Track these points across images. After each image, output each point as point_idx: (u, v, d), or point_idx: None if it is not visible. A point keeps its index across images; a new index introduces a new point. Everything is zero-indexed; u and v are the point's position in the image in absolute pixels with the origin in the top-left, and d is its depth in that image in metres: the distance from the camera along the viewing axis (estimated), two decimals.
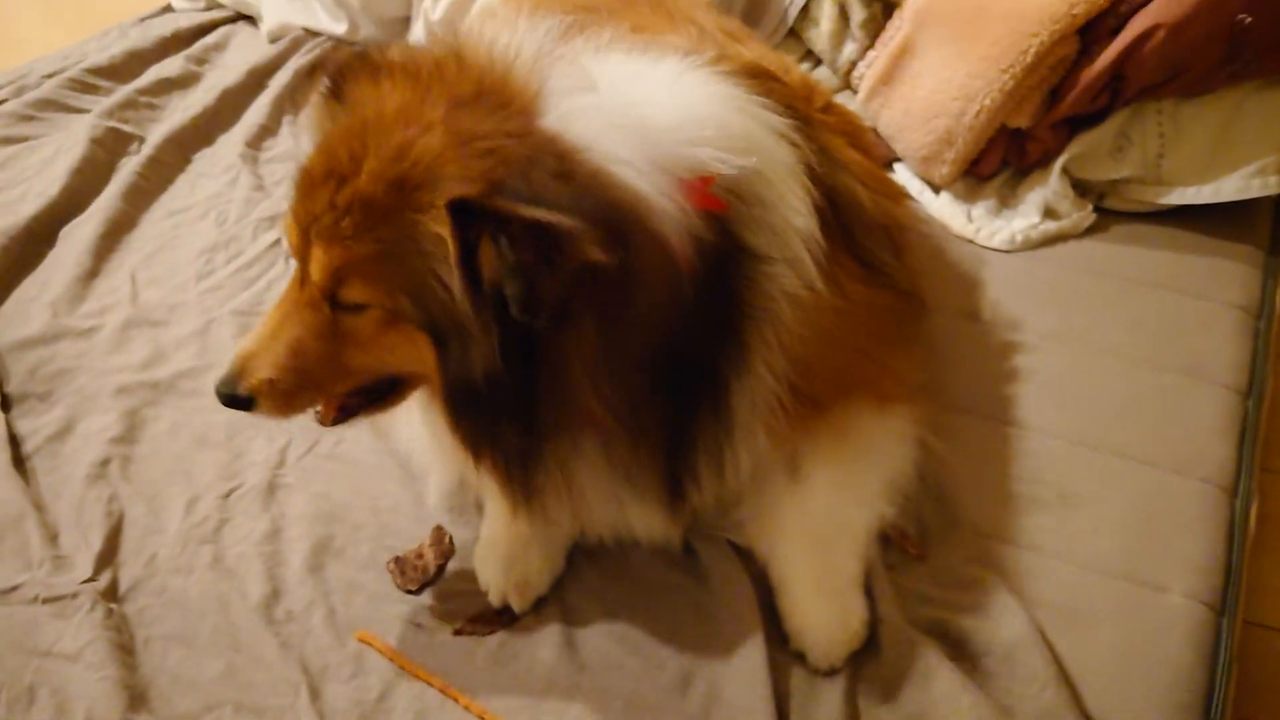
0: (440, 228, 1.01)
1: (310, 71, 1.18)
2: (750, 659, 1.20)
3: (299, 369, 1.11)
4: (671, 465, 1.23)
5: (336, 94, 1.15)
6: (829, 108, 1.67)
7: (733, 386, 1.21)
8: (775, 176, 1.25)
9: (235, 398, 1.12)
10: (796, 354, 1.23)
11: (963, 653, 1.22)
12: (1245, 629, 1.40)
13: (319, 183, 1.07)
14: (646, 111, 1.15)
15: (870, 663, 1.22)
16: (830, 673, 1.21)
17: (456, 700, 1.18)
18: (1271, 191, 1.86)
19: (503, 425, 1.09)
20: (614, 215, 1.03)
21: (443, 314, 1.03)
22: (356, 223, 1.04)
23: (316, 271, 1.08)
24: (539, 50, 1.15)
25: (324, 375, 1.13)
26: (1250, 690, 1.35)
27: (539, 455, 1.12)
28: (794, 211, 1.25)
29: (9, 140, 2.13)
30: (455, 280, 1.01)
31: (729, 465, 1.26)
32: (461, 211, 0.99)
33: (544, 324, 1.02)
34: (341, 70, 1.16)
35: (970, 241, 1.91)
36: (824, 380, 1.30)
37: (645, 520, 1.28)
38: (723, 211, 1.15)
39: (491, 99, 1.09)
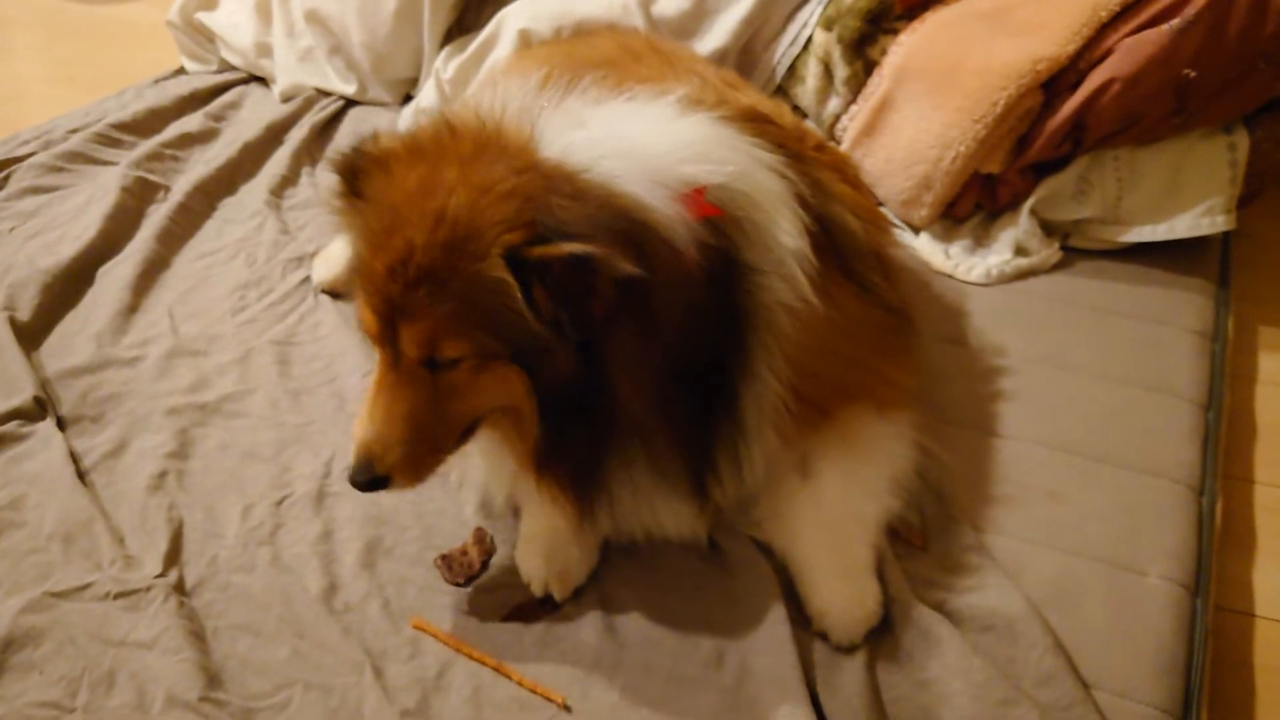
0: (499, 273, 1.14)
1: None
2: (777, 636, 1.31)
3: (419, 437, 1.22)
4: (697, 465, 1.34)
5: (356, 193, 1.25)
6: (820, 147, 1.79)
7: (740, 390, 1.33)
8: (765, 202, 1.38)
9: (373, 481, 1.21)
10: (796, 361, 1.36)
11: (967, 628, 1.34)
12: (1215, 613, 1.53)
13: (384, 274, 1.17)
14: (637, 141, 1.28)
15: (886, 638, 1.33)
16: (851, 648, 1.32)
17: (509, 676, 1.28)
18: (1219, 229, 2.05)
19: (579, 438, 1.23)
20: (628, 225, 1.17)
21: (524, 339, 1.16)
22: (431, 292, 1.16)
23: (411, 346, 1.19)
24: (522, 103, 1.29)
25: (440, 434, 1.24)
26: (1222, 664, 1.48)
27: (600, 466, 1.26)
28: (784, 233, 1.38)
29: (40, 189, 2.25)
30: (523, 310, 1.15)
31: (745, 464, 1.38)
32: (513, 260, 1.13)
33: (597, 333, 1.16)
34: (352, 172, 1.25)
35: (949, 276, 2.08)
36: (825, 386, 1.44)
37: (675, 517, 1.39)
38: (718, 218, 1.27)
39: (492, 149, 1.21)
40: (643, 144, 1.28)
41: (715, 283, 1.26)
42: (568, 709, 1.25)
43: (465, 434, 1.29)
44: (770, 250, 1.35)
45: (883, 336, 1.60)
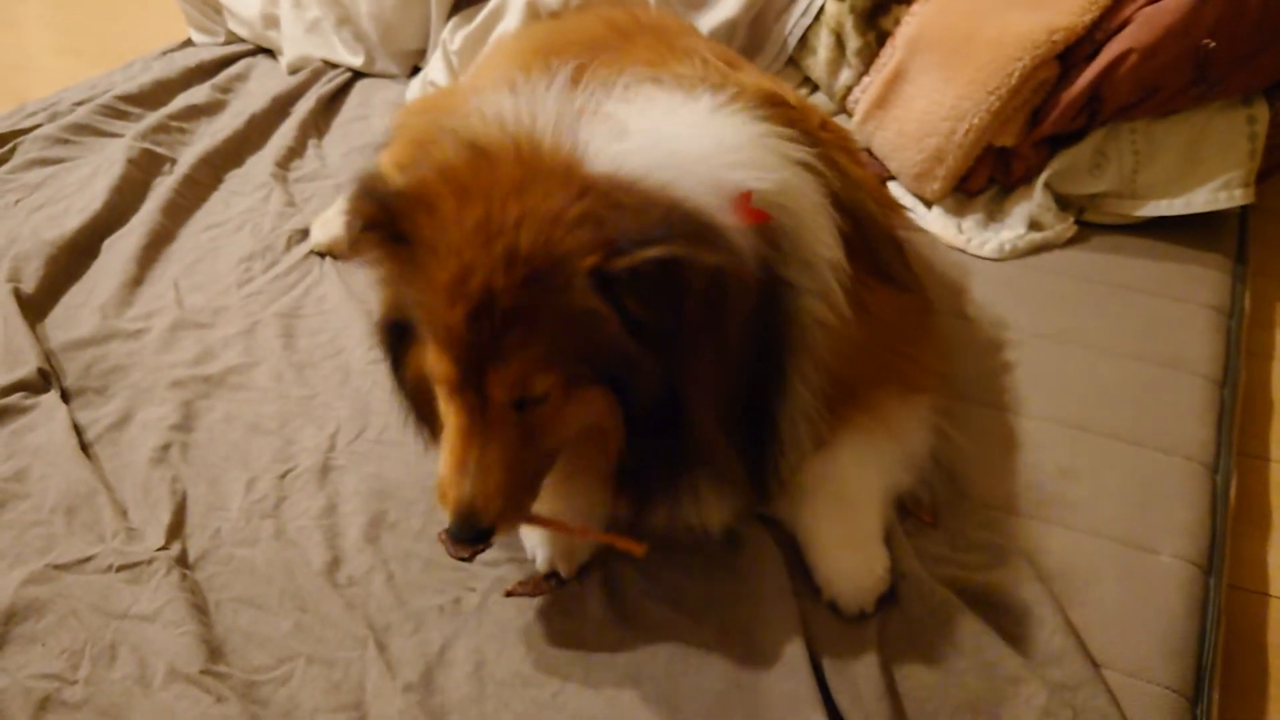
0: (589, 301, 1.11)
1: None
2: (783, 610, 1.29)
3: (517, 481, 1.20)
4: (752, 473, 1.34)
5: (397, 238, 1.17)
6: (825, 125, 1.76)
7: (776, 409, 1.32)
8: (802, 211, 1.35)
9: (477, 535, 1.19)
10: (830, 372, 1.35)
11: (977, 604, 1.32)
12: (1229, 592, 1.50)
13: (464, 323, 1.12)
14: (680, 145, 1.24)
15: (895, 613, 1.31)
16: (860, 617, 1.30)
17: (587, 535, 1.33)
18: (1237, 203, 2.01)
19: (659, 454, 1.22)
20: (700, 226, 1.14)
21: (613, 359, 1.14)
22: (521, 333, 1.12)
23: (501, 390, 1.15)
24: (556, 114, 1.19)
25: (535, 470, 1.23)
26: (1235, 644, 1.46)
27: (676, 479, 1.26)
28: (822, 244, 1.36)
29: (46, 161, 2.24)
30: (618, 331, 1.12)
31: (785, 471, 1.37)
32: (601, 282, 1.10)
33: (678, 349, 1.15)
34: (389, 215, 1.16)
35: (962, 251, 2.05)
36: (855, 384, 1.42)
37: (722, 515, 1.37)
38: (764, 224, 1.24)
39: (542, 174, 1.14)
40: (688, 150, 1.23)
41: (763, 294, 1.24)
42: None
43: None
44: (809, 265, 1.33)
45: (910, 323, 1.59)
